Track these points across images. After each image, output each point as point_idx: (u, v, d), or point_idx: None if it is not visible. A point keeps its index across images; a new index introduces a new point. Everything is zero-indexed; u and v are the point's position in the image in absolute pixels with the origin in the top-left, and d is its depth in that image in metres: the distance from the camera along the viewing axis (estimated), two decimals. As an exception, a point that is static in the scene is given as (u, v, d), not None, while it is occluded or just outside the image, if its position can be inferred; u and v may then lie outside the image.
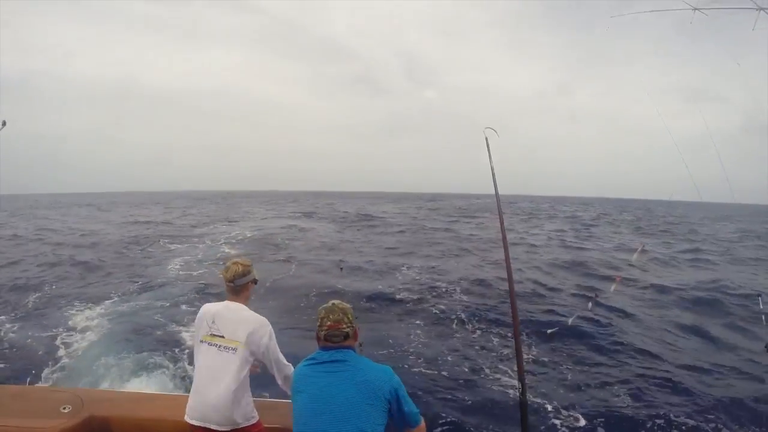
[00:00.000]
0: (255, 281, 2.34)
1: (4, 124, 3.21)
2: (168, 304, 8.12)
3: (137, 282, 10.01)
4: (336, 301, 1.97)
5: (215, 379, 2.08)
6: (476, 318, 7.73)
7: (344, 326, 1.88)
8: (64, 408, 2.46)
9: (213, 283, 9.55)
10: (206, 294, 8.72)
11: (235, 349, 2.11)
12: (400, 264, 12.69)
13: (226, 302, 2.25)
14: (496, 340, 6.74)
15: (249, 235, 19.86)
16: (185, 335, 6.36)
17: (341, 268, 11.72)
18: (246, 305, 2.26)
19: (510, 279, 2.52)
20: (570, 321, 5.74)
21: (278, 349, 2.23)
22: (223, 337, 2.13)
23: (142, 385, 4.83)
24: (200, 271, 11.46)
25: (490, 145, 2.78)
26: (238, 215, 33.50)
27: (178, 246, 16.25)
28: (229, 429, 2.07)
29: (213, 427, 2.06)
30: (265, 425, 2.27)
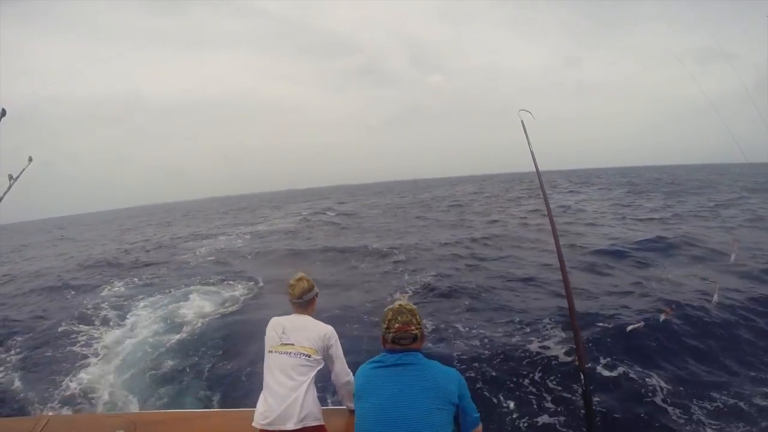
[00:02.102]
0: (317, 294, 2.49)
1: (30, 160, 3.30)
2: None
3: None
4: (403, 302, 1.91)
5: (289, 382, 2.21)
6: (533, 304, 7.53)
7: (413, 328, 1.82)
8: None
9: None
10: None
11: (308, 356, 2.26)
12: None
13: (294, 315, 2.41)
14: (555, 328, 6.43)
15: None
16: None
17: None
18: (312, 317, 2.43)
19: (561, 262, 2.45)
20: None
21: (342, 354, 2.40)
22: (293, 344, 2.28)
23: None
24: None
25: (526, 128, 2.76)
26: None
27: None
28: (301, 427, 2.17)
29: (289, 426, 2.15)
30: (329, 431, 2.29)
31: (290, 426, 2.15)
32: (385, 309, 1.90)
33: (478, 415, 1.83)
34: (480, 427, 1.85)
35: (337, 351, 2.36)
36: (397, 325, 1.81)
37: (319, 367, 2.30)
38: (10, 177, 3.19)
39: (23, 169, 3.23)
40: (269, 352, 2.31)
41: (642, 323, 4.83)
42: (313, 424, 2.21)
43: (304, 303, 2.39)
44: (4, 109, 2.96)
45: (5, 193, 3.15)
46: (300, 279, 2.42)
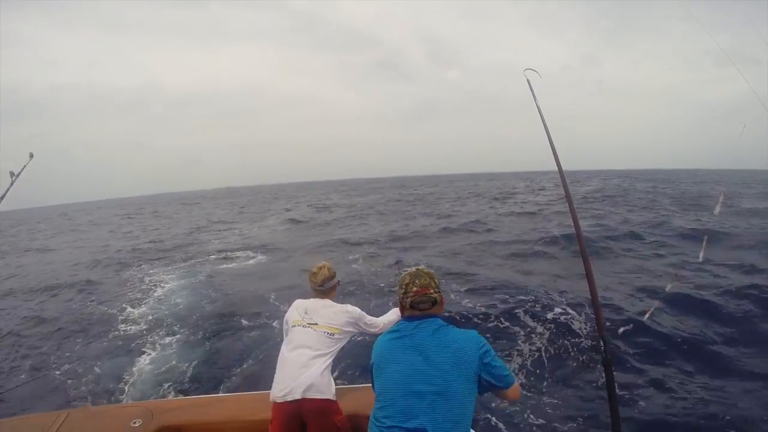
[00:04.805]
0: (338, 282, 2.58)
1: (31, 156, 3.34)
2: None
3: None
4: (420, 266, 1.84)
5: (310, 355, 2.27)
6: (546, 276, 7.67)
7: (432, 291, 1.73)
8: (135, 422, 2.50)
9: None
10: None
11: (332, 334, 2.36)
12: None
13: (315, 298, 2.49)
14: (571, 296, 6.30)
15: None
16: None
17: None
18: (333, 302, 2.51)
19: (579, 235, 2.26)
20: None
21: (367, 316, 2.50)
22: (317, 324, 2.36)
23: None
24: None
25: (533, 89, 2.59)
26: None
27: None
28: (320, 398, 2.22)
29: (310, 396, 2.20)
30: (342, 408, 2.34)
31: (308, 395, 2.19)
32: (402, 274, 1.82)
33: (510, 373, 1.70)
34: (516, 384, 1.72)
35: (365, 319, 2.46)
36: (415, 288, 1.72)
37: (340, 346, 2.39)
38: (12, 174, 3.21)
39: (24, 166, 3.25)
40: (292, 327, 2.40)
41: (652, 308, 4.79)
42: (330, 397, 2.27)
43: (325, 290, 2.48)
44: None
45: (7, 191, 3.18)
46: (322, 267, 2.50)
